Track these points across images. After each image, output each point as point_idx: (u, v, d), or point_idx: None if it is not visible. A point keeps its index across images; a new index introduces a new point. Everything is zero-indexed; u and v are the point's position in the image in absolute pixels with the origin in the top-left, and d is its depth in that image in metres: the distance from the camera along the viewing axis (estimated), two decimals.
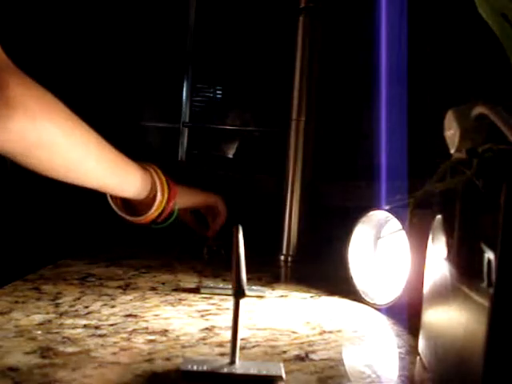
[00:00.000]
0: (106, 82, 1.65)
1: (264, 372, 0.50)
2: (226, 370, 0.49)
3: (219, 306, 0.70)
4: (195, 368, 0.49)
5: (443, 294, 0.51)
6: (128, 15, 1.65)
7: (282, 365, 0.51)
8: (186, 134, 1.59)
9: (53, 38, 1.52)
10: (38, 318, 0.61)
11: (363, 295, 0.76)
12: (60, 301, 0.67)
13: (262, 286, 0.81)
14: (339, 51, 1.24)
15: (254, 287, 0.77)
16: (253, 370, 0.50)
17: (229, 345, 0.53)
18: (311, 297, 0.77)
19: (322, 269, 0.94)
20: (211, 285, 0.78)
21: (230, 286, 0.74)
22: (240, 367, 0.50)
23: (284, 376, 0.49)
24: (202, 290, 0.75)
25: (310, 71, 0.95)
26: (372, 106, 1.14)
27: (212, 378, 0.49)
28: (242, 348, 0.56)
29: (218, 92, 2.14)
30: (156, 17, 1.66)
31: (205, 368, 0.49)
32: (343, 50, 1.29)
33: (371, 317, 0.71)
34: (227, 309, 0.69)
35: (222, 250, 1.03)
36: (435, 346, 0.52)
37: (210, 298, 0.73)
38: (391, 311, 0.71)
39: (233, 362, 0.50)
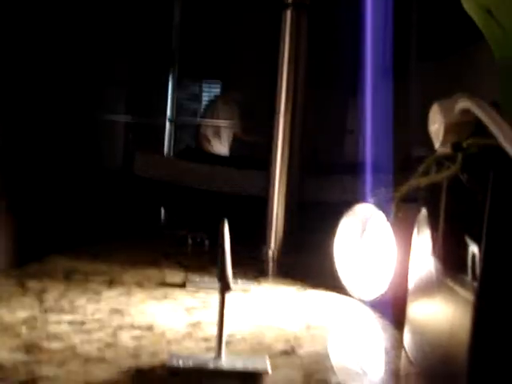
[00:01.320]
0: (90, 79, 1.64)
1: (250, 367, 0.50)
2: (212, 366, 0.49)
3: (205, 301, 0.70)
4: (181, 363, 0.49)
5: (428, 288, 0.51)
6: (115, 14, 1.64)
7: (267, 359, 0.51)
8: (172, 130, 1.59)
9: (44, 36, 1.50)
10: (22, 314, 0.60)
11: (349, 289, 0.76)
12: (45, 297, 0.67)
13: (248, 280, 0.81)
14: (325, 45, 1.24)
15: (239, 281, 0.77)
16: (239, 365, 0.50)
17: (214, 339, 0.53)
18: (297, 291, 0.78)
19: (308, 263, 0.94)
20: (197, 279, 0.78)
21: (216, 281, 0.74)
22: (226, 362, 0.50)
23: (270, 370, 0.49)
24: (188, 285, 0.75)
25: (296, 65, 0.95)
26: (358, 100, 1.14)
27: (199, 373, 0.49)
28: (228, 343, 0.56)
29: (204, 87, 2.14)
30: (142, 15, 1.66)
31: (191, 363, 0.49)
32: (329, 44, 1.29)
33: (357, 311, 0.71)
34: (213, 304, 0.69)
35: (205, 241, 1.04)
36: (421, 339, 0.52)
37: (195, 292, 0.73)
38: (377, 305, 0.71)
39: (219, 356, 0.50)
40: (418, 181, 0.57)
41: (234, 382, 0.50)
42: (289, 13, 0.92)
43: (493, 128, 0.40)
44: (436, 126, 0.49)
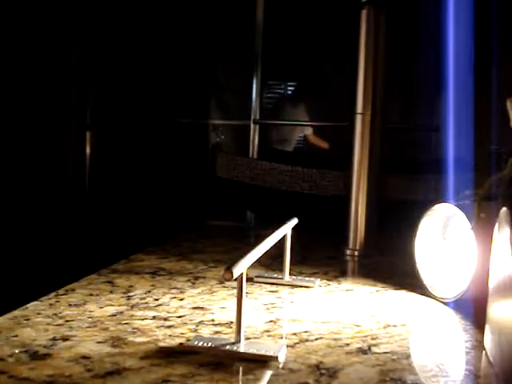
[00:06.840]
0: (177, 83, 1.69)
1: (262, 352, 0.52)
2: (227, 348, 0.52)
3: (284, 299, 0.71)
4: (201, 344, 0.53)
5: (506, 289, 0.50)
6: (197, 17, 1.69)
7: (284, 347, 0.53)
8: (257, 131, 1.61)
9: (132, 42, 1.58)
10: (110, 309, 0.64)
11: (430, 289, 0.75)
12: (131, 294, 0.70)
13: (329, 280, 0.81)
14: (404, 43, 1.22)
15: (299, 278, 0.79)
16: (252, 350, 0.52)
17: (292, 337, 0.55)
18: (377, 291, 0.77)
19: (390, 263, 0.93)
20: (266, 275, 0.79)
21: (280, 276, 0.78)
22: (243, 346, 0.53)
23: (281, 357, 0.51)
24: (256, 280, 0.77)
25: (374, 64, 0.94)
26: (441, 98, 1.12)
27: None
28: (305, 340, 0.57)
29: (289, 88, 2.16)
30: (224, 17, 1.70)
31: (209, 345, 0.52)
32: (409, 43, 1.28)
33: (437, 311, 0.70)
34: (292, 302, 0.70)
35: None
36: (499, 340, 0.51)
37: (276, 291, 0.75)
38: (458, 305, 0.70)
39: (238, 340, 0.53)
40: (497, 177, 0.56)
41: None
42: (365, 12, 0.92)
43: None
44: None
